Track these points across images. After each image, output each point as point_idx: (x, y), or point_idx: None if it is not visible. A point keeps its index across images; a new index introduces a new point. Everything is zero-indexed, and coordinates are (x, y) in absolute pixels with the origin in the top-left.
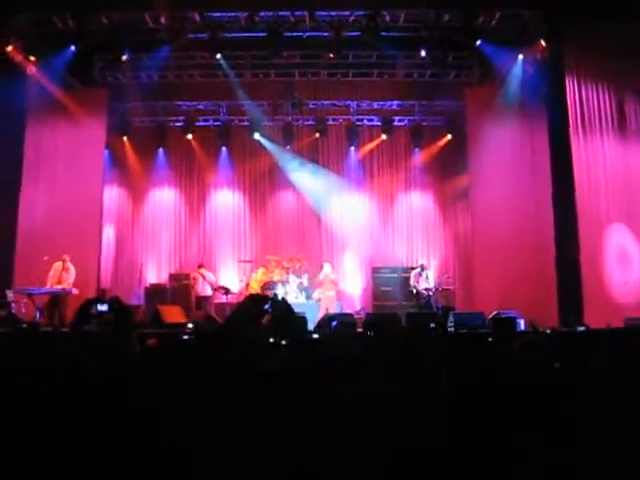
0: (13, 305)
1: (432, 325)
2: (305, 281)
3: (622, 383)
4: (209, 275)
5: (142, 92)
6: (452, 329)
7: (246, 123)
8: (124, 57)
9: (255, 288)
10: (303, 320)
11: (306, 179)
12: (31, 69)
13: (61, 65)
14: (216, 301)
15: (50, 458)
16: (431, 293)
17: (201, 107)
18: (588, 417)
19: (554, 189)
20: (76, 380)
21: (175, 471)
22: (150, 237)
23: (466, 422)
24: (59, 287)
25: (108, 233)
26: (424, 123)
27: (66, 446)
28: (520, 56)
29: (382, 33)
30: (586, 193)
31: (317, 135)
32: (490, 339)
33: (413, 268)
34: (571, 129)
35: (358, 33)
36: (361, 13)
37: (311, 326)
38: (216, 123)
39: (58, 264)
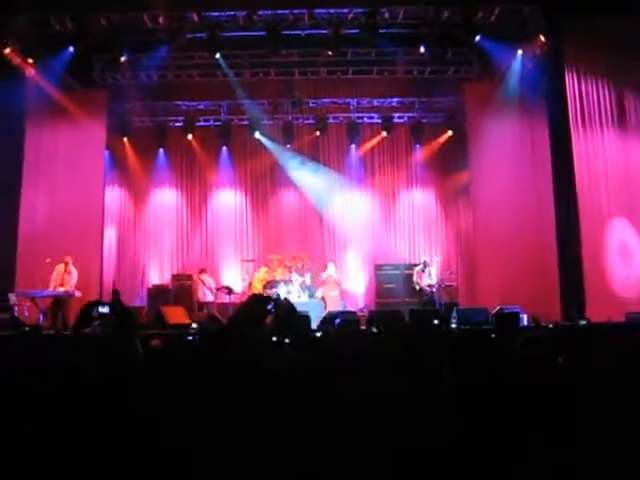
0: (16, 308)
1: (435, 321)
2: (308, 280)
3: (623, 378)
4: (209, 281)
5: (142, 93)
6: (455, 325)
7: (246, 122)
8: (123, 58)
9: (258, 287)
10: (306, 319)
11: (307, 177)
12: (30, 71)
13: (60, 67)
14: (219, 301)
15: (53, 460)
16: (434, 290)
17: (201, 107)
18: (590, 413)
19: (555, 184)
20: (78, 382)
21: (180, 471)
22: (152, 238)
23: (469, 419)
24: (62, 289)
25: (110, 234)
26: (424, 120)
27: (69, 448)
28: (519, 51)
29: (381, 30)
30: (587, 188)
31: (317, 133)
32: (493, 335)
33: (416, 265)
34: (571, 124)
35: (357, 30)
36: (360, 10)
37: (314, 324)
38: (216, 123)
39: (60, 266)
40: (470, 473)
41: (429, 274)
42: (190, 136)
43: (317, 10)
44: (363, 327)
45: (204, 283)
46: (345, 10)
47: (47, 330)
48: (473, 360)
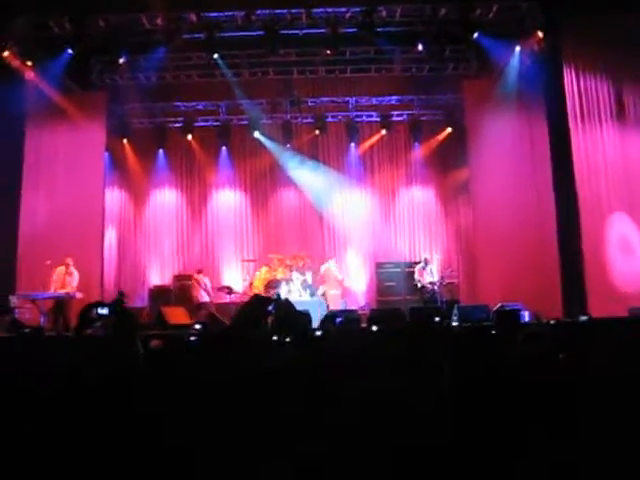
0: (17, 311)
1: (436, 319)
2: (309, 278)
3: (624, 374)
4: (204, 281)
5: (140, 94)
6: (456, 323)
7: (245, 122)
8: (121, 59)
9: (259, 287)
10: (307, 318)
11: (307, 176)
12: (29, 74)
13: (59, 69)
14: (219, 301)
15: (54, 461)
16: (436, 287)
17: (200, 107)
18: (591, 408)
19: (554, 180)
20: (79, 384)
21: (181, 470)
22: (152, 238)
23: (470, 416)
24: (63, 291)
25: (110, 236)
26: (423, 117)
27: (70, 449)
28: (518, 48)
29: (379, 29)
30: (587, 183)
31: (317, 132)
32: (494, 331)
33: (417, 263)
34: (570, 120)
35: (355, 29)
36: (357, 9)
37: (315, 324)
38: (215, 123)
39: (61, 268)
40: (472, 471)
41: (430, 272)
42: (189, 136)
43: (315, 9)
44: (364, 325)
45: (199, 283)
46: (342, 9)
47: (48, 332)
48: (474, 357)
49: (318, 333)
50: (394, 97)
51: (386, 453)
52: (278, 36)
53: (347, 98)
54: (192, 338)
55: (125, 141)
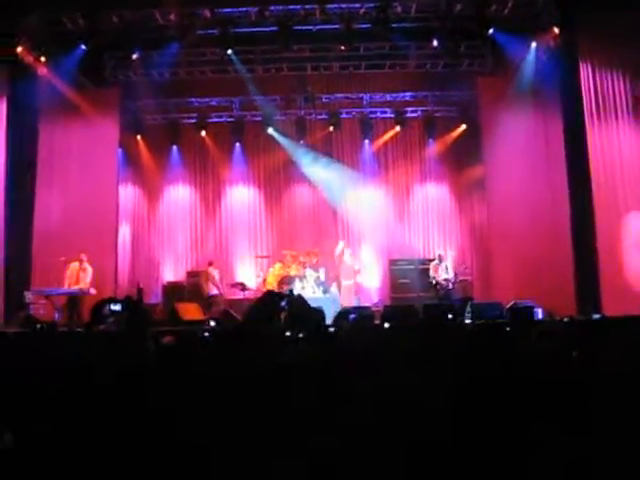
0: (31, 306)
1: (450, 316)
2: (322, 275)
3: (638, 370)
4: (213, 274)
5: (154, 90)
6: (470, 320)
7: (259, 118)
8: (135, 55)
9: (272, 283)
10: (320, 314)
11: (321, 173)
12: (42, 70)
13: (72, 65)
14: (233, 297)
15: (66, 457)
16: (451, 284)
17: (213, 103)
18: (604, 406)
19: (570, 177)
20: (90, 379)
21: (194, 465)
22: (166, 235)
23: (482, 414)
24: (77, 287)
25: (124, 232)
26: (437, 114)
27: (82, 444)
28: (533, 44)
29: (393, 24)
30: (602, 181)
31: (331, 128)
32: (508, 329)
33: (431, 260)
34: (586, 116)
35: (369, 25)
36: (371, 5)
37: (329, 320)
38: (229, 119)
39: (75, 264)
40: (484, 468)
41: (445, 268)
42: (203, 133)
43: (329, 5)
44: (377, 322)
45: (208, 276)
46: (357, 5)
47: (62, 328)
48: (487, 354)
49: (332, 329)
50: (408, 93)
51: (398, 450)
52: (292, 32)
53: (361, 94)
54: (205, 334)
55: (139, 137)
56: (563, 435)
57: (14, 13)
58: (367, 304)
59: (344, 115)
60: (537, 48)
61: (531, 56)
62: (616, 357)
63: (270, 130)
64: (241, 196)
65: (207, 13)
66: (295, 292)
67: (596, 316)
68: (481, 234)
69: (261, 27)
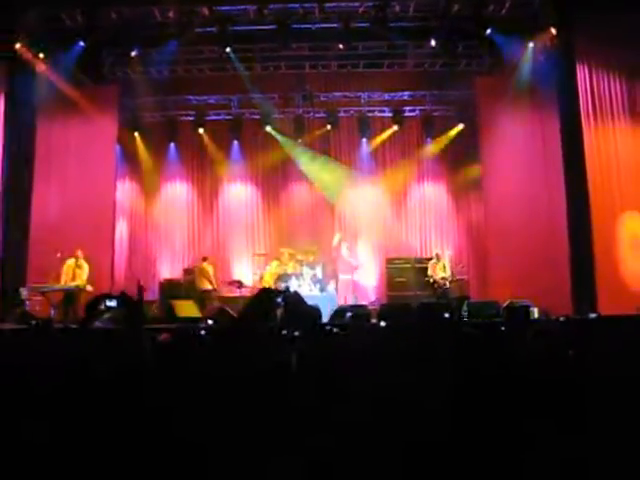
0: (27, 303)
1: (446, 315)
2: (319, 273)
3: (633, 371)
4: (206, 270)
5: (152, 87)
6: (466, 319)
7: (257, 116)
8: (133, 52)
9: (269, 281)
10: (317, 312)
11: (318, 171)
12: (40, 66)
13: (70, 62)
14: (229, 294)
15: (60, 456)
16: (447, 283)
17: (212, 101)
18: (599, 406)
19: (566, 177)
20: (85, 376)
21: (191, 463)
22: (163, 232)
23: (479, 412)
24: (73, 284)
25: (121, 229)
26: (435, 113)
27: (78, 442)
28: (530, 44)
29: (391, 23)
30: (599, 181)
31: (328, 127)
32: (503, 328)
33: (428, 259)
34: (582, 117)
35: (367, 24)
36: (370, 4)
37: (325, 318)
38: (227, 117)
39: (71, 261)
40: (481, 467)
41: (443, 267)
42: (201, 130)
43: (327, 4)
44: (374, 321)
45: (202, 272)
46: (355, 3)
47: (58, 324)
48: (483, 353)
49: (328, 328)
50: (406, 92)
51: (395, 448)
52: (290, 30)
53: (359, 93)
54: (202, 332)
55: (137, 134)
56: (559, 434)
57: (13, 9)
58: (364, 302)
59: (342, 114)
60: (534, 48)
61: (528, 56)
62: (612, 357)
63: (268, 128)
64: (239, 194)
65: (206, 11)
66: (291, 289)
67: (592, 315)
68: (478, 233)
69: (260, 25)
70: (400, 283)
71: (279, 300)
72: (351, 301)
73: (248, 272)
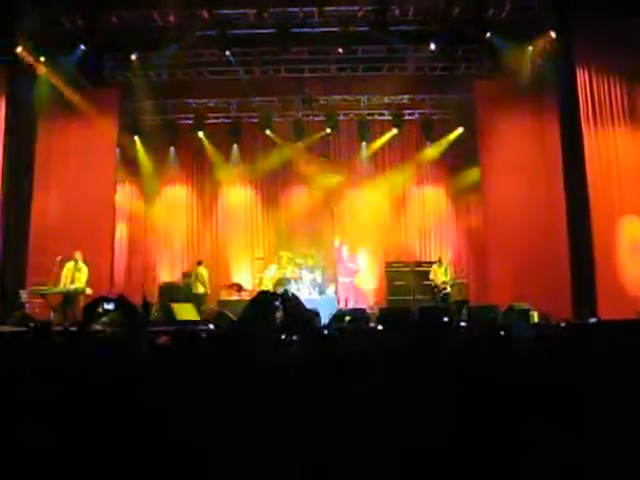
0: (27, 305)
1: (445, 319)
2: (318, 277)
3: (634, 375)
4: (200, 273)
5: (152, 91)
6: (465, 322)
7: (256, 120)
8: (133, 56)
9: (268, 285)
10: (316, 315)
11: (318, 175)
12: (41, 70)
13: (71, 65)
14: (226, 298)
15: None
16: (448, 287)
17: (211, 104)
18: (599, 410)
19: (566, 181)
20: (83, 379)
21: (190, 466)
22: (163, 235)
23: (477, 416)
24: (72, 287)
25: (121, 232)
26: (435, 116)
27: (75, 444)
28: (530, 48)
29: (391, 27)
30: (599, 185)
31: (328, 130)
32: (502, 332)
33: (426, 262)
34: (582, 121)
35: (367, 28)
36: (370, 7)
37: (324, 322)
38: (226, 120)
39: (70, 263)
40: (480, 470)
41: (445, 271)
42: (201, 134)
43: (327, 7)
44: (373, 325)
45: (197, 275)
46: (355, 7)
47: (57, 327)
48: (483, 357)
49: (327, 331)
50: (406, 96)
51: (394, 451)
52: (290, 34)
53: (359, 96)
54: (201, 335)
55: (136, 138)
56: (559, 438)
57: (13, 13)
58: (363, 306)
59: (341, 117)
60: (534, 52)
61: (528, 60)
62: (612, 361)
63: (267, 132)
64: (238, 197)
65: (205, 14)
66: (289, 292)
67: (592, 320)
68: (477, 237)
69: (259, 29)
70: (399, 287)
71: (277, 303)
72: (351, 304)
73: (247, 275)
